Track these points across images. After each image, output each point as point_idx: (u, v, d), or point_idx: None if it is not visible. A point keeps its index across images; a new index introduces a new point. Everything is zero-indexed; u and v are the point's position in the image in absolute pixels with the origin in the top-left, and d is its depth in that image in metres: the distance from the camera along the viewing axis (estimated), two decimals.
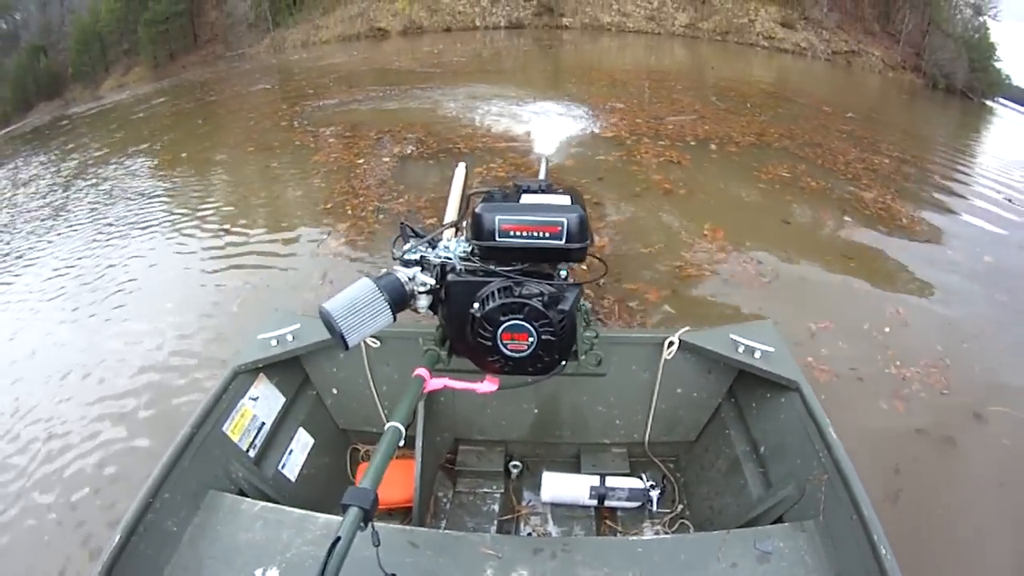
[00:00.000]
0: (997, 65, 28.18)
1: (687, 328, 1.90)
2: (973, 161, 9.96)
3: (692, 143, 7.27)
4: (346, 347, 1.23)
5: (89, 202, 6.83)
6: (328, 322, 1.21)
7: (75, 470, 2.79)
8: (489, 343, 1.29)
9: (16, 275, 5.10)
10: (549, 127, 6.98)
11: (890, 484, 2.62)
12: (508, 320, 1.26)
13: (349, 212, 5.18)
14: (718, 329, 1.93)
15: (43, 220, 6.50)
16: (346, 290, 1.24)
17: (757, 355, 1.80)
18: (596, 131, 7.78)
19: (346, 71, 14.80)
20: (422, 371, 1.34)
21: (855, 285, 4.26)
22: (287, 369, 2.02)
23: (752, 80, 14.63)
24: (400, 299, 1.29)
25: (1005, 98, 27.42)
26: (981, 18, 28.73)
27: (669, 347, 1.91)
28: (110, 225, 5.85)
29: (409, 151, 6.88)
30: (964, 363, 3.48)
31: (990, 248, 5.27)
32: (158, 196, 6.53)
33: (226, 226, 5.30)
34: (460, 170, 1.87)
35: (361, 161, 6.61)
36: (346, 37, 24.89)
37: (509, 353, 1.30)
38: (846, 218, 5.47)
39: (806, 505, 1.53)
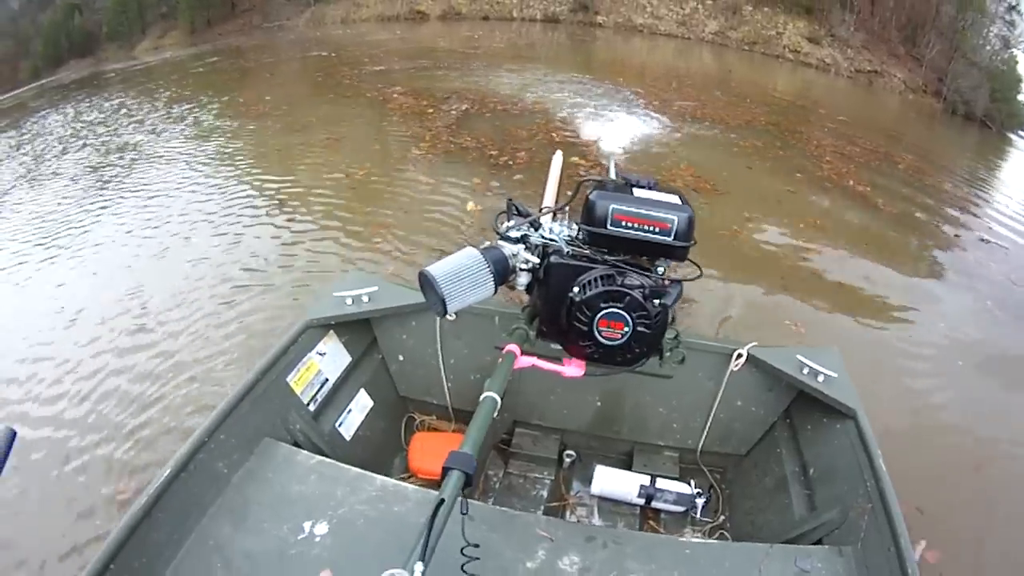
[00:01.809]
0: (1021, 98, 29.91)
1: (755, 343, 2.03)
2: (952, 171, 11.56)
3: (689, 120, 9.61)
4: (444, 313, 1.29)
5: (194, 124, 9.06)
6: (429, 286, 1.27)
7: None
8: (585, 328, 1.35)
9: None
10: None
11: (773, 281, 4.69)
12: (608, 308, 1.32)
13: (427, 138, 7.50)
14: (786, 349, 2.06)
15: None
16: (451, 256, 1.31)
17: (820, 379, 1.91)
18: (616, 106, 10.09)
19: (393, 47, 17.07)
20: (513, 347, 1.44)
21: (787, 202, 6.60)
22: (357, 329, 2.15)
23: (764, 85, 16.82)
24: (503, 272, 1.36)
25: None
26: (1010, 51, 30.40)
27: (737, 359, 2.02)
28: (228, 135, 8.16)
29: (465, 108, 9.17)
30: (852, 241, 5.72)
31: (922, 209, 7.52)
32: (264, 120, 8.84)
33: (330, 137, 7.64)
34: (557, 158, 1.98)
35: (431, 111, 8.93)
36: (385, 17, 27.06)
37: (603, 340, 1.36)
38: (798, 174, 7.75)
39: (846, 531, 1.61)
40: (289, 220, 5.24)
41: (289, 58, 16.43)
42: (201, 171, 6.64)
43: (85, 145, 8.56)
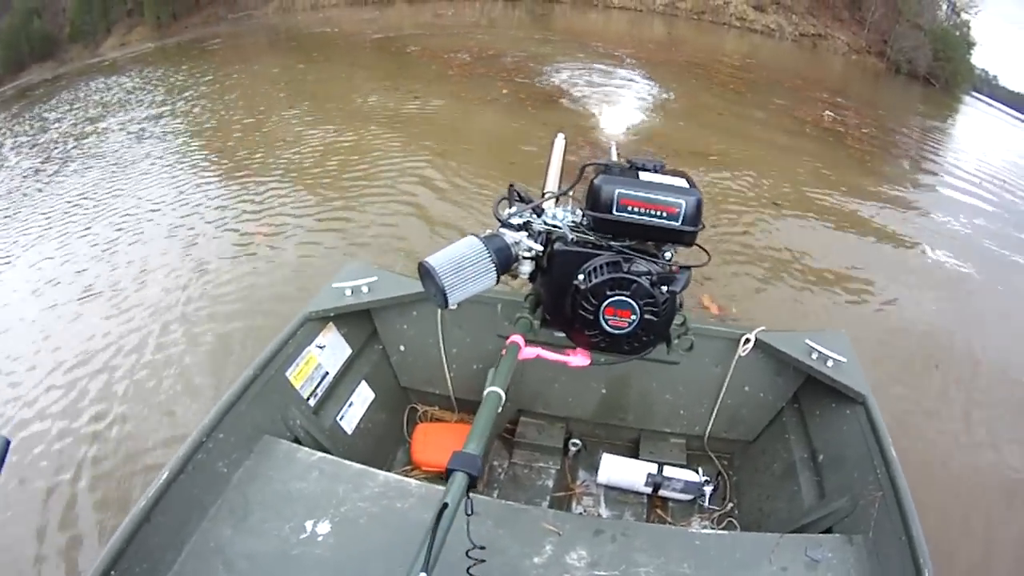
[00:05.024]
0: (973, 60, 32.82)
1: (763, 328, 2.10)
2: (834, 90, 15.43)
3: (631, 62, 13.69)
4: (446, 305, 1.30)
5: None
6: (429, 277, 1.28)
7: None
8: (591, 316, 1.37)
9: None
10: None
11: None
12: (614, 295, 1.35)
13: (455, 67, 11.82)
14: (794, 333, 2.14)
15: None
16: (451, 246, 1.33)
17: (829, 364, 1.99)
18: (580, 55, 14.11)
19: (380, 25, 20.29)
20: (517, 338, 1.45)
21: (678, 91, 10.34)
22: (357, 321, 2.24)
23: (712, 50, 20.71)
24: (506, 261, 1.38)
25: (991, 96, 32.52)
26: (961, 16, 33.57)
27: (744, 344, 2.08)
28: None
29: (468, 57, 13.03)
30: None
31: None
32: (329, 66, 12.15)
33: (388, 71, 11.14)
34: (559, 141, 2.02)
35: (445, 56, 13.03)
36: (353, 2, 29.83)
37: (609, 329, 1.38)
38: (693, 80, 11.69)
39: (857, 519, 1.68)
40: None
41: (289, 36, 19.25)
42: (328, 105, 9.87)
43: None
